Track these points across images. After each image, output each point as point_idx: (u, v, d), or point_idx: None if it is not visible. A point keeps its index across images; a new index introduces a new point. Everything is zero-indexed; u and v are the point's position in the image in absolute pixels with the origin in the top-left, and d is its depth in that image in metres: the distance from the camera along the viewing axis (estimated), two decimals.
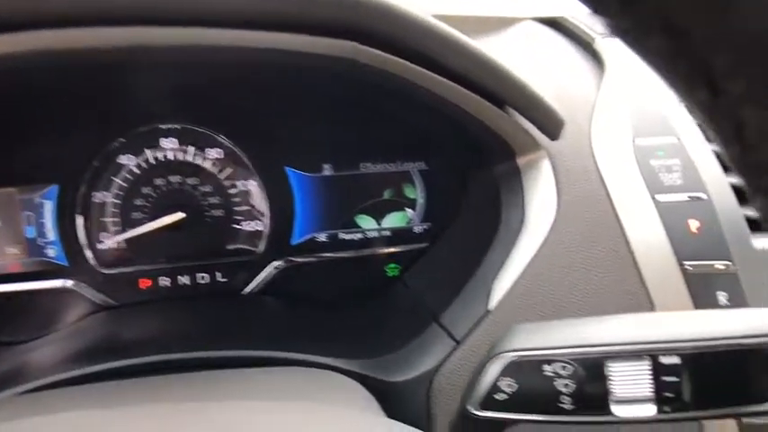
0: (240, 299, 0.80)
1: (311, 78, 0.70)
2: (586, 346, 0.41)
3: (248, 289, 0.81)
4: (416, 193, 0.85)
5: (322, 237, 0.83)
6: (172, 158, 0.79)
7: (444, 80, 0.63)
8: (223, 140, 0.79)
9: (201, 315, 0.77)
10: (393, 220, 0.85)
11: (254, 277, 0.81)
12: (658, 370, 0.40)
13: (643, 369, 0.40)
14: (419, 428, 0.49)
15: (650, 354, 0.40)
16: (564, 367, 0.42)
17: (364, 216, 0.84)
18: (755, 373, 0.40)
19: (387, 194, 0.84)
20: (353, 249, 0.84)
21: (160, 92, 0.74)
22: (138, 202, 0.78)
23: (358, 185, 0.83)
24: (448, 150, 0.82)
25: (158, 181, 0.78)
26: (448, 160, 0.84)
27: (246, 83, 0.75)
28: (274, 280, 0.82)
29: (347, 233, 0.83)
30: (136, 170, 0.78)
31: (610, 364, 0.41)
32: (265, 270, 0.81)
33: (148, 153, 0.78)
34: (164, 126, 0.78)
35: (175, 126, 0.78)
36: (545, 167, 0.70)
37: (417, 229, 0.86)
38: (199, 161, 0.79)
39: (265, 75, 0.71)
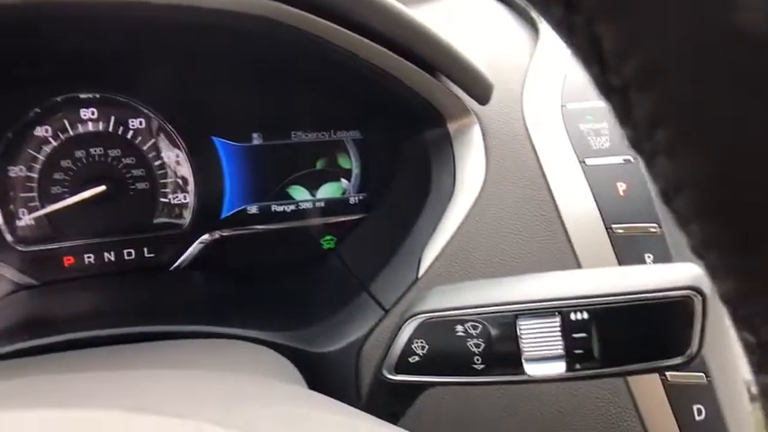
0: (168, 274, 0.78)
1: (236, 43, 0.68)
2: (497, 304, 0.40)
3: (177, 264, 0.79)
4: (351, 162, 0.83)
5: (253, 209, 0.81)
6: (92, 129, 0.75)
7: (370, 43, 0.62)
8: (146, 110, 0.76)
9: (126, 292, 0.74)
10: (328, 191, 0.83)
11: (183, 252, 0.78)
12: (568, 327, 0.39)
13: (553, 326, 0.40)
14: (348, 398, 0.48)
15: (559, 310, 0.39)
16: (475, 327, 0.41)
17: (297, 187, 0.82)
18: (664, 327, 0.39)
19: (320, 164, 0.82)
20: (287, 221, 0.82)
21: (76, 58, 0.71)
22: (58, 175, 0.75)
23: (290, 155, 0.81)
24: (381, 118, 0.81)
25: (78, 153, 0.75)
26: (382, 128, 0.82)
27: (168, 48, 0.72)
28: (204, 254, 0.79)
29: (280, 205, 0.81)
30: (54, 142, 0.74)
31: (520, 323, 0.40)
32: (194, 244, 0.79)
33: (67, 124, 0.74)
34: (82, 95, 0.75)
35: (95, 95, 0.75)
36: (475, 133, 0.69)
37: (353, 199, 0.84)
38: (121, 132, 0.76)
39: (187, 38, 0.68)
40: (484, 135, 0.69)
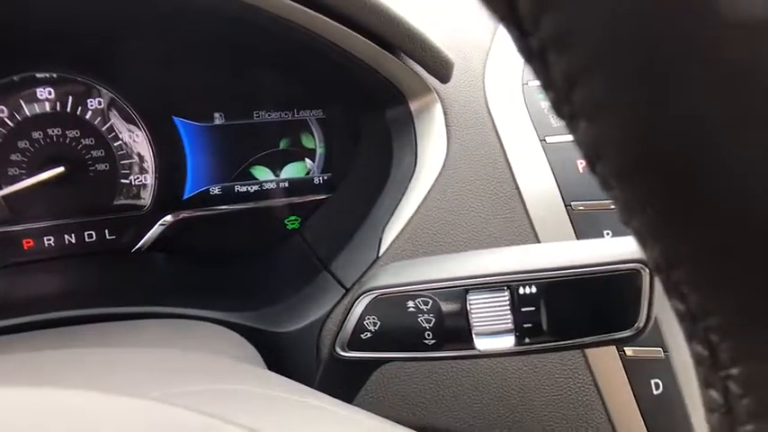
0: (130, 256, 0.77)
1: (197, 23, 0.67)
2: (447, 279, 0.40)
3: (138, 246, 0.78)
4: (315, 142, 0.83)
5: (216, 189, 0.80)
6: (49, 110, 0.74)
7: (329, 21, 0.61)
8: (105, 89, 0.75)
9: (87, 274, 0.73)
10: (291, 171, 0.82)
11: (144, 233, 0.78)
12: (517, 301, 0.40)
13: (502, 301, 0.40)
14: (309, 377, 0.48)
15: (508, 284, 0.39)
16: (426, 302, 0.41)
17: (261, 167, 0.81)
18: (612, 300, 0.40)
19: (283, 144, 0.81)
20: (250, 202, 0.81)
21: (33, 36, 0.70)
22: (15, 157, 0.73)
23: (252, 135, 0.80)
24: (344, 97, 0.80)
25: (36, 134, 0.74)
26: (345, 107, 0.81)
27: (128, 27, 0.70)
28: (166, 235, 0.78)
29: (243, 185, 0.81)
30: (10, 123, 0.73)
31: (470, 297, 0.40)
32: (155, 225, 0.78)
33: (23, 104, 0.73)
34: (39, 75, 0.73)
35: (52, 75, 0.73)
36: (437, 111, 0.69)
37: (317, 179, 0.83)
38: (79, 112, 0.74)
39: (147, 18, 0.67)
40: (445, 113, 0.69)
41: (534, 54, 0.19)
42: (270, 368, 0.58)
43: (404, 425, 0.35)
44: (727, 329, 0.20)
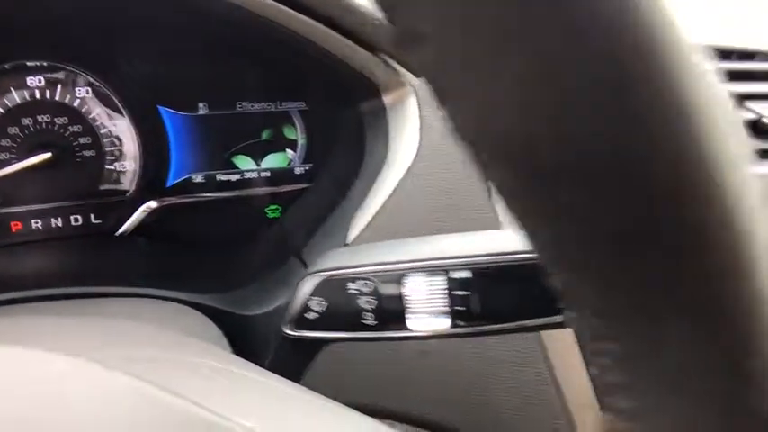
0: (113, 240, 0.79)
1: (182, 16, 0.69)
2: (387, 263, 0.42)
3: (122, 230, 0.80)
4: (296, 133, 0.85)
5: (199, 178, 0.82)
6: (39, 97, 0.76)
7: (304, 18, 0.63)
8: (92, 79, 0.77)
9: (70, 256, 0.76)
10: (273, 161, 0.84)
11: (128, 218, 0.80)
12: (451, 285, 0.41)
13: (438, 284, 0.42)
14: None
15: (444, 269, 0.41)
16: (366, 284, 0.43)
17: (242, 157, 0.83)
18: (541, 286, 0.41)
19: (265, 135, 0.83)
20: (232, 190, 0.83)
21: (24, 26, 0.72)
22: (4, 142, 0.76)
23: (235, 125, 0.82)
24: (323, 90, 0.82)
25: (25, 121, 0.76)
26: (326, 100, 0.83)
27: (116, 19, 0.73)
28: (149, 221, 0.81)
29: (225, 174, 0.83)
30: (0, 109, 0.75)
31: (406, 280, 0.42)
32: (138, 211, 0.80)
33: (14, 91, 0.76)
34: (30, 63, 0.76)
35: (42, 63, 0.76)
36: (411, 105, 0.71)
37: (298, 170, 0.86)
38: (67, 100, 0.77)
39: (134, 10, 0.69)
40: (420, 107, 0.70)
41: (398, 43, 0.21)
42: (235, 351, 0.60)
43: (357, 408, 0.36)
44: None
